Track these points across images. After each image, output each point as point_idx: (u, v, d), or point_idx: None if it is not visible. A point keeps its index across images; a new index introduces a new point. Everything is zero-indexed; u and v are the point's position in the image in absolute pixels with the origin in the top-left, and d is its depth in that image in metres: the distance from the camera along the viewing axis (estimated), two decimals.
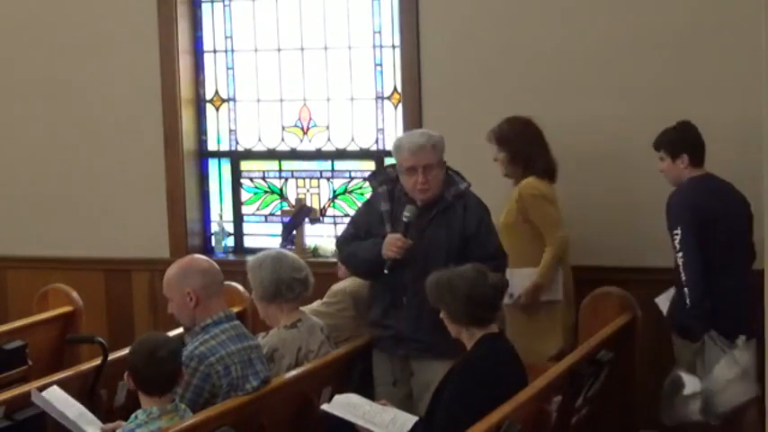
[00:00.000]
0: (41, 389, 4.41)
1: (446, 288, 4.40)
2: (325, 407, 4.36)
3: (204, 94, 7.12)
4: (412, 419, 4.20)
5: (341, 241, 5.40)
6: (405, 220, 5.05)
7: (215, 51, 7.08)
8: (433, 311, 4.64)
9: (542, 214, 5.73)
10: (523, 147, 5.80)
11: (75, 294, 5.93)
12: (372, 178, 5.39)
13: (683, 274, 5.23)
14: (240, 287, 5.79)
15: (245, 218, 7.12)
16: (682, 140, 5.44)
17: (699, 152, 5.45)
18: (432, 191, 5.08)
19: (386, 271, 5.06)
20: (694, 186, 5.39)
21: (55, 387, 4.41)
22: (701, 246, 5.24)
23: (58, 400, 4.32)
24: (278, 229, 6.90)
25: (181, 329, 5.06)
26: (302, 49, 6.88)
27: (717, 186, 5.44)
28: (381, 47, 6.71)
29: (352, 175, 6.84)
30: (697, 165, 5.44)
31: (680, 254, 5.25)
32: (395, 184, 5.20)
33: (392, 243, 5.03)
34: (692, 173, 5.41)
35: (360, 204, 5.84)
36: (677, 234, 5.26)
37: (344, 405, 4.29)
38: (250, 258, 5.24)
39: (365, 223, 5.25)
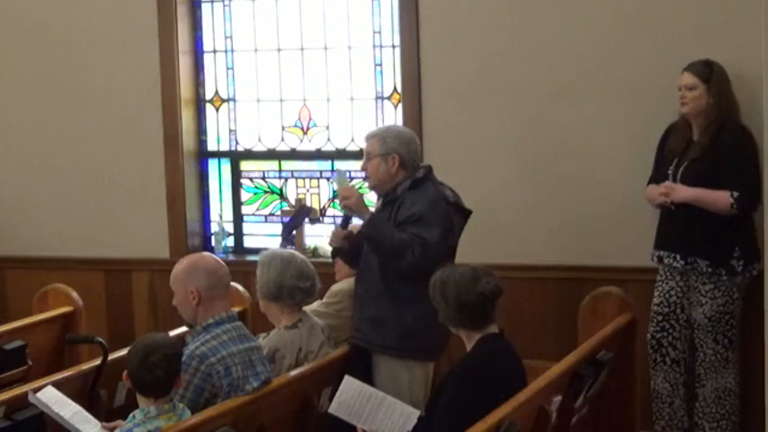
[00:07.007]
0: (38, 389, 4.40)
1: (439, 290, 4.37)
2: (331, 409, 4.32)
3: (204, 95, 7.11)
4: (415, 415, 4.19)
5: None
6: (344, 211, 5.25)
7: (215, 51, 7.07)
8: (375, 302, 4.86)
9: None
10: None
11: (74, 294, 5.93)
12: None
13: None
14: (240, 287, 5.79)
15: (245, 218, 7.12)
16: None
17: None
18: (371, 180, 5.17)
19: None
20: None
21: (49, 387, 4.38)
22: None
23: (53, 400, 4.31)
24: (278, 229, 6.89)
25: (182, 329, 5.07)
26: (302, 49, 6.87)
27: None
28: (381, 47, 6.70)
29: (353, 175, 6.84)
30: None
31: None
32: None
33: (331, 232, 5.29)
34: None
35: None
36: None
37: (348, 407, 4.27)
38: (263, 252, 5.24)
39: None
